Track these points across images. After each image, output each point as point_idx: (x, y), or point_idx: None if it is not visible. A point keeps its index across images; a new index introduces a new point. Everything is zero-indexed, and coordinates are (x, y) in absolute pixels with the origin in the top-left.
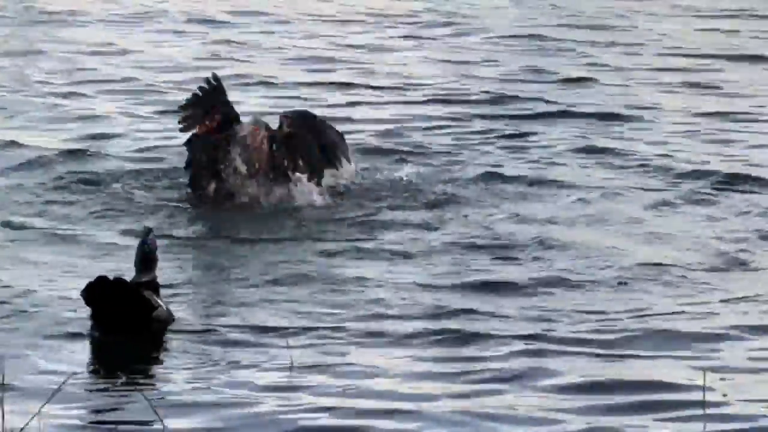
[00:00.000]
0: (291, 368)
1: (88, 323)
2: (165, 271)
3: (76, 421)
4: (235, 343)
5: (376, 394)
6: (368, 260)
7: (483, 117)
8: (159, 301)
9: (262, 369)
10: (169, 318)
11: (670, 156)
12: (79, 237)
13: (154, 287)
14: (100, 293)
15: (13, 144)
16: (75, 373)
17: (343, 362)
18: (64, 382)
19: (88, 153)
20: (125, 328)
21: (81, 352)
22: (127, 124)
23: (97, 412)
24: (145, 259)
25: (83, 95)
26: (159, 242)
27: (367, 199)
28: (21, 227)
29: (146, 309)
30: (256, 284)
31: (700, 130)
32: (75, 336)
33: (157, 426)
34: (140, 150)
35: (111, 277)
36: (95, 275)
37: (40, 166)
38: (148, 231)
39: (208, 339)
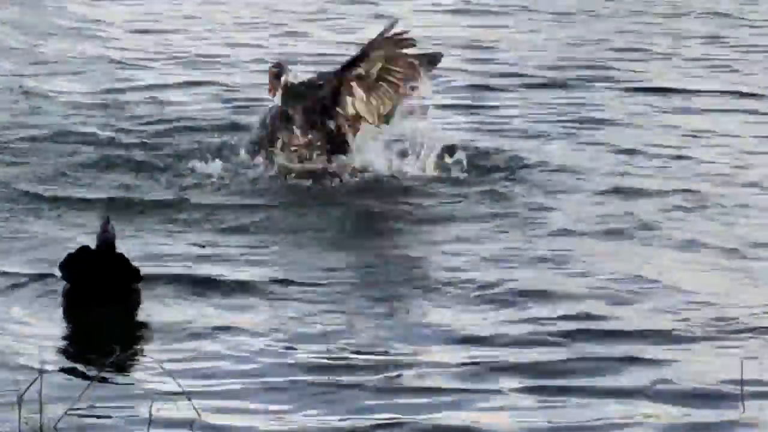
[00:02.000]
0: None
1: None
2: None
3: (111, 406)
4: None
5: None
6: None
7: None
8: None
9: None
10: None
11: None
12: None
13: None
14: (84, 263)
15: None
16: (118, 354)
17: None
18: (106, 365)
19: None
20: (104, 299)
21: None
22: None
23: (134, 388)
24: (105, 245)
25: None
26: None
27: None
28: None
29: (134, 275)
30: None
31: None
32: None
33: (189, 409)
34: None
35: (92, 247)
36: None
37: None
38: (107, 219)
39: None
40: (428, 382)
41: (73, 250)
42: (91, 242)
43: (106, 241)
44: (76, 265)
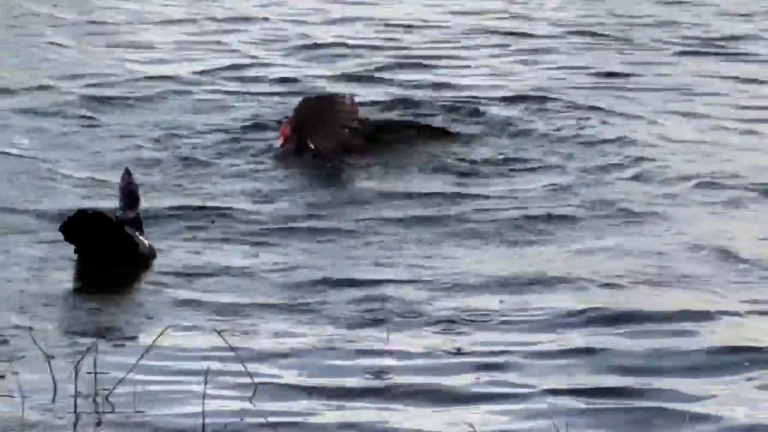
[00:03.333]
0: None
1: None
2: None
3: (168, 369)
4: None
5: None
6: None
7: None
8: (141, 237)
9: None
10: (152, 254)
11: None
12: None
13: (138, 223)
14: (80, 228)
15: None
16: (171, 326)
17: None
18: (159, 335)
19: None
20: (108, 262)
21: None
22: None
23: (188, 359)
24: (130, 196)
25: None
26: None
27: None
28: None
29: (129, 245)
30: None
31: None
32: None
33: (245, 380)
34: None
35: (90, 212)
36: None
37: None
38: (128, 171)
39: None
40: None
41: (71, 215)
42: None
43: (131, 194)
44: (74, 230)
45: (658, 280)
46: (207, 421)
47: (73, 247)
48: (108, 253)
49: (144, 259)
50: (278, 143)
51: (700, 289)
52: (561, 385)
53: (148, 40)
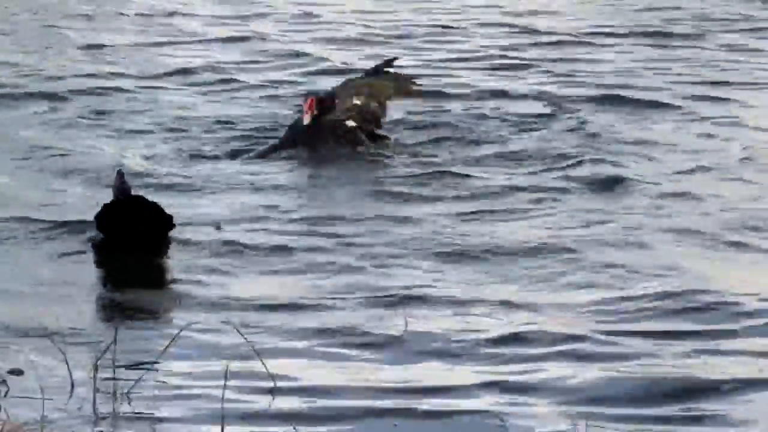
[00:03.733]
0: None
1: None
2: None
3: (189, 369)
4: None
5: None
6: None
7: None
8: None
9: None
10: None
11: None
12: None
13: None
14: (118, 214)
15: None
16: (193, 322)
17: None
18: (179, 332)
19: None
20: (142, 245)
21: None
22: None
23: (207, 357)
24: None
25: None
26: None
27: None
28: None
29: (166, 221)
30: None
31: None
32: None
33: (266, 382)
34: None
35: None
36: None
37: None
38: (121, 172)
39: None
40: None
41: (106, 203)
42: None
43: (125, 192)
44: (112, 216)
45: None
46: (226, 420)
47: (98, 238)
48: (142, 234)
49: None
50: (306, 117)
51: None
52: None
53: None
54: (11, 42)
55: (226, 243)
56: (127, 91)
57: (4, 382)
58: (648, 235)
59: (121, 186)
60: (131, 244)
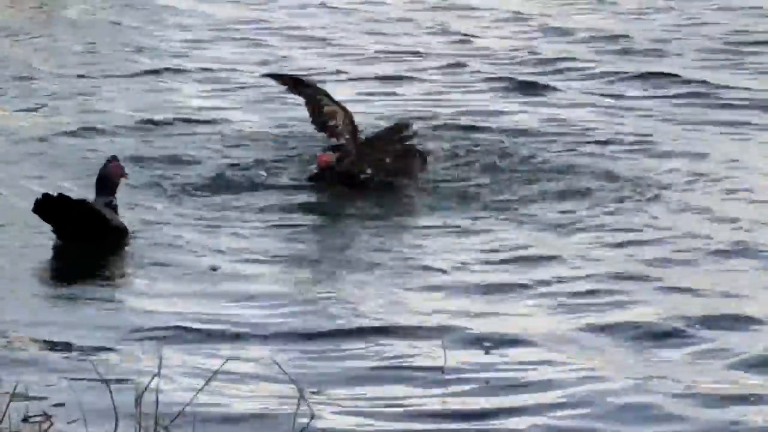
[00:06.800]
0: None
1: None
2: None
3: (227, 399)
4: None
5: None
6: None
7: None
8: (114, 214)
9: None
10: (125, 231)
11: None
12: None
13: (111, 208)
14: (49, 208)
15: None
16: (231, 357)
17: None
18: (221, 366)
19: None
20: (83, 238)
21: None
22: None
23: (247, 387)
24: (101, 181)
25: None
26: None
27: None
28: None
29: (99, 220)
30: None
31: None
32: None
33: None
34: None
35: (55, 194)
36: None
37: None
38: (112, 158)
39: None
40: None
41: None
42: None
43: (103, 176)
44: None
45: None
46: None
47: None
48: (81, 230)
49: (119, 234)
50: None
51: None
52: None
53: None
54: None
55: (266, 276)
56: None
57: (46, 415)
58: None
59: (103, 169)
60: (71, 236)
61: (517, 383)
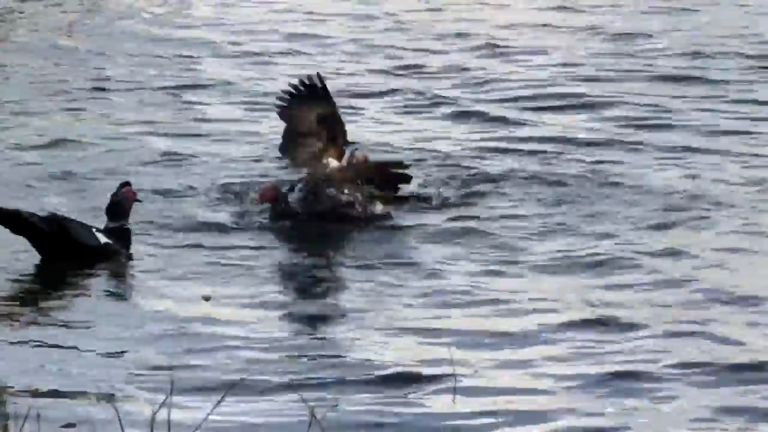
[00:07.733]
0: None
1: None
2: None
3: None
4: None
5: None
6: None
7: None
8: (104, 237)
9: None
10: (121, 256)
11: None
12: None
13: (121, 233)
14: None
15: None
16: (242, 380)
17: None
18: (230, 388)
19: None
20: (65, 257)
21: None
22: None
23: (261, 414)
24: (113, 207)
25: None
26: None
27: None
28: None
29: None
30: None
31: None
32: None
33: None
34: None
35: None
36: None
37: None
38: (124, 183)
39: None
40: None
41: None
42: None
43: (115, 202)
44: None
45: None
46: None
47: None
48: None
49: (104, 256)
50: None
51: None
52: None
53: None
54: None
55: (273, 297)
56: None
57: None
58: None
59: (113, 195)
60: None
61: None
